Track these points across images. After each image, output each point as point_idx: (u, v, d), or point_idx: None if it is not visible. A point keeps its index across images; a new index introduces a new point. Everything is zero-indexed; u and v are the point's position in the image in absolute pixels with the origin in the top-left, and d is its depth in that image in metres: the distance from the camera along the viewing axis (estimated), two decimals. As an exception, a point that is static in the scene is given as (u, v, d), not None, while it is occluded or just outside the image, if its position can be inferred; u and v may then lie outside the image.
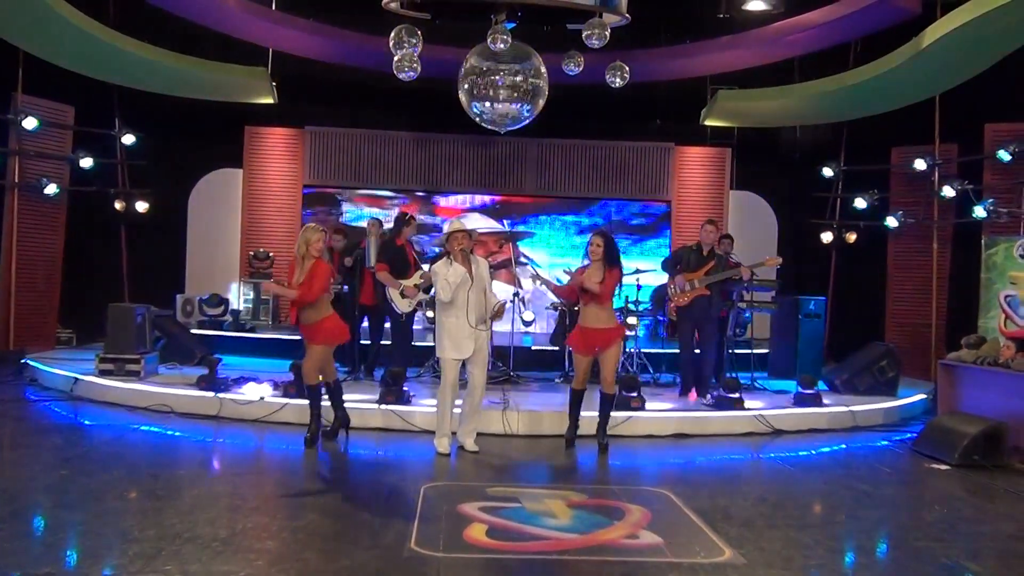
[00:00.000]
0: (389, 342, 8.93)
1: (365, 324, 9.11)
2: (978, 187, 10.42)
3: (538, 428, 7.35)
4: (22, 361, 9.50)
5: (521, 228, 13.47)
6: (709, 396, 8.13)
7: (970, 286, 10.29)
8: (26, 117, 10.47)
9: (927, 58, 8.93)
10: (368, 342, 9.16)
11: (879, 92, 10.27)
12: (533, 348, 10.67)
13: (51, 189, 10.79)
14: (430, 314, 9.51)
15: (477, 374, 6.55)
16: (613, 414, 6.92)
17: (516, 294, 9.72)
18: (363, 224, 9.80)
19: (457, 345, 6.40)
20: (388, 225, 9.66)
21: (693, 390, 8.46)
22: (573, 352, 7.05)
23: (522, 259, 11.25)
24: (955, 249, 11.22)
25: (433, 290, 6.66)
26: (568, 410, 6.92)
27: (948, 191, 10.73)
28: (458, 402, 6.67)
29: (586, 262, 6.77)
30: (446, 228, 6.55)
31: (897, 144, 11.73)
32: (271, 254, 12.41)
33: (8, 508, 4.64)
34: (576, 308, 7.43)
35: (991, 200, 10.04)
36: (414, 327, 8.96)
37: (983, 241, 10.02)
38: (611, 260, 6.64)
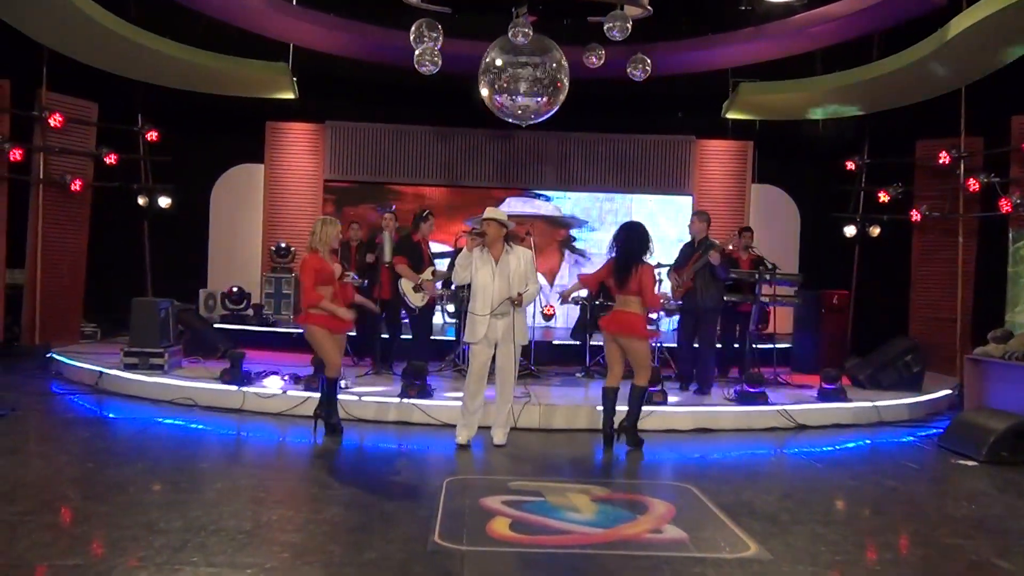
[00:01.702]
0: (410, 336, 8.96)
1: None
2: (1005, 180, 10.30)
3: (559, 422, 7.34)
4: (48, 355, 9.61)
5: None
6: (732, 391, 8.08)
7: (996, 280, 10.19)
8: (50, 114, 10.58)
9: (952, 49, 8.82)
10: (387, 336, 9.18)
11: (903, 84, 10.16)
12: (554, 343, 10.66)
13: (75, 185, 10.91)
14: (450, 308, 9.54)
15: (500, 363, 6.46)
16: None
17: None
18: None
19: (472, 329, 6.41)
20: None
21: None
22: (605, 337, 6.65)
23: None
24: (981, 243, 11.10)
25: (453, 284, 6.68)
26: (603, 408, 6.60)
27: (974, 184, 10.61)
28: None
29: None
30: (484, 214, 6.50)
31: (922, 137, 11.62)
32: (293, 248, 12.53)
33: (35, 500, 4.69)
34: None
35: (1019, 193, 9.92)
36: (434, 322, 8.97)
37: (1010, 235, 9.92)
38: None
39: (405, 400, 7.35)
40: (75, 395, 8.15)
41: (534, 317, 9.82)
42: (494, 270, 6.36)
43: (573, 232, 13.56)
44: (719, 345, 9.83)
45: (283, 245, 12.61)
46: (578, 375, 9.41)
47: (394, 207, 9.91)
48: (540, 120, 9.23)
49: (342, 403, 7.27)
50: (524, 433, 7.04)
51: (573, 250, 13.53)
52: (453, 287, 8.59)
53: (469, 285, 6.54)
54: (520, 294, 6.34)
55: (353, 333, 9.71)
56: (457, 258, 6.53)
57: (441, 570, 3.87)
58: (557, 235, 13.49)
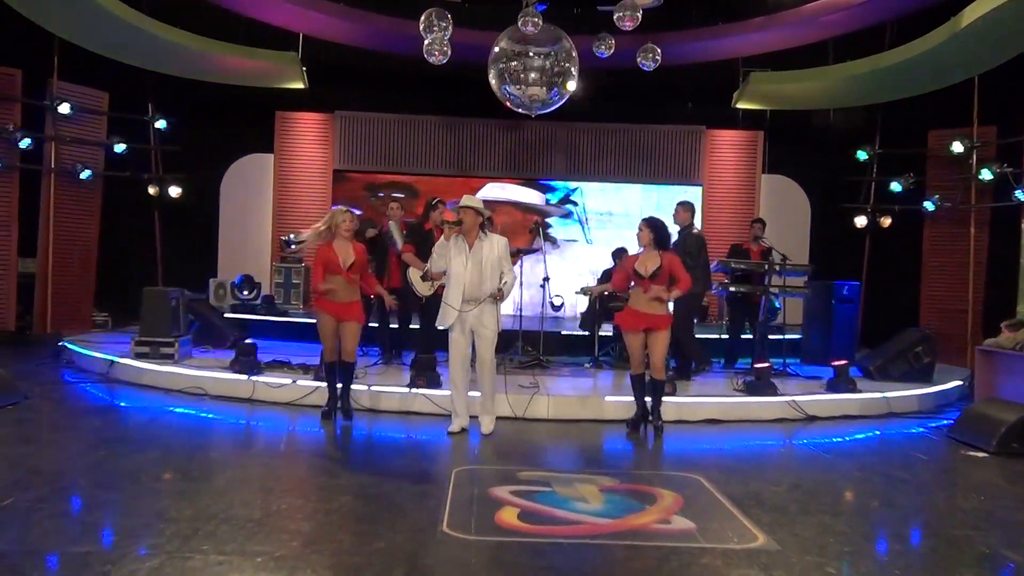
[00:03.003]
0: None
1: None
2: (1018, 170, 10.24)
3: (568, 413, 7.34)
4: (59, 344, 9.66)
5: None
6: (741, 381, 8.08)
7: (1008, 271, 10.15)
8: (61, 103, 10.63)
9: (965, 38, 8.75)
10: (396, 326, 9.19)
11: (915, 73, 10.09)
12: (563, 333, 10.65)
13: (86, 174, 10.95)
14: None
15: (480, 352, 6.49)
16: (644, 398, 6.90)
17: (546, 279, 9.70)
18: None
19: (443, 314, 6.45)
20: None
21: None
22: (623, 333, 6.84)
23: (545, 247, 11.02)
24: (993, 233, 11.05)
25: None
26: (633, 396, 6.88)
27: (986, 174, 10.54)
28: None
29: (640, 250, 6.76)
30: (461, 202, 6.51)
31: (934, 126, 11.56)
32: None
33: (47, 488, 4.72)
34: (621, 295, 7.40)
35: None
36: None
37: (1022, 225, 9.87)
38: (662, 245, 6.62)
39: (414, 390, 7.37)
40: (86, 384, 8.20)
41: (543, 308, 9.78)
42: (468, 258, 6.37)
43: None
44: (726, 336, 9.87)
45: (292, 236, 12.63)
46: (587, 365, 9.41)
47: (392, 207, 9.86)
48: (549, 110, 9.20)
49: (351, 392, 7.31)
50: (532, 423, 7.06)
51: (546, 237, 13.39)
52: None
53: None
54: (500, 289, 6.36)
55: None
56: (434, 247, 6.54)
57: (450, 559, 3.89)
58: (527, 221, 13.23)
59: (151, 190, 12.21)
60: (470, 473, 5.43)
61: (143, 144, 12.10)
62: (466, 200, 6.47)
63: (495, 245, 6.46)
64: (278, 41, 11.65)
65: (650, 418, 6.82)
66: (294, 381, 7.58)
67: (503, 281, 6.40)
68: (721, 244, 12.23)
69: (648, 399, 6.82)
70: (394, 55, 11.62)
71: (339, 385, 6.89)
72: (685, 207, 8.64)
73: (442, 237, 6.54)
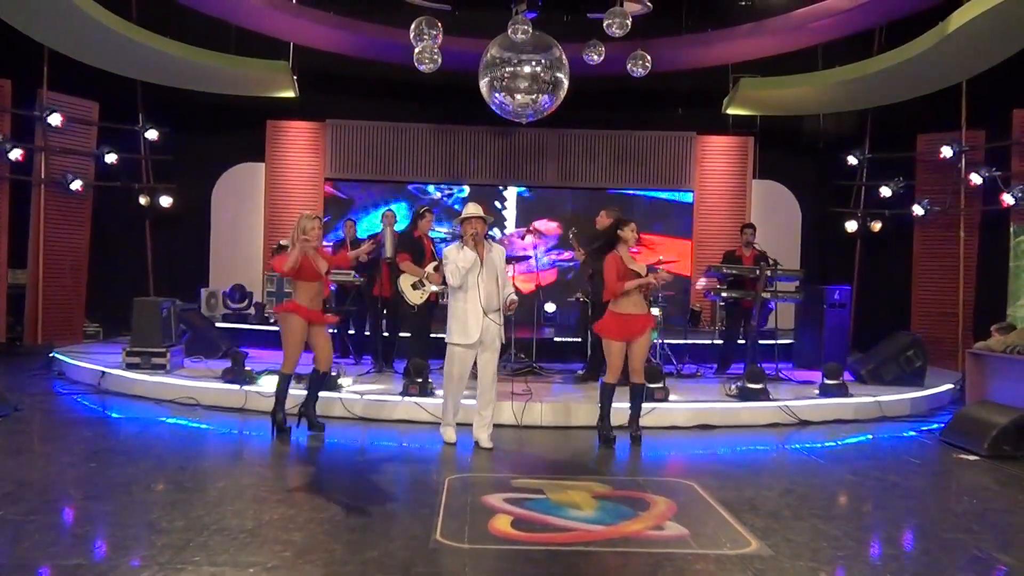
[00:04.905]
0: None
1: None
2: (1006, 174, 10.29)
3: (562, 419, 7.33)
4: (50, 355, 9.62)
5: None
6: (733, 387, 8.08)
7: (998, 274, 10.19)
8: (51, 113, 10.60)
9: (953, 43, 8.81)
10: (387, 334, 9.18)
11: (904, 78, 10.14)
12: (555, 340, 10.64)
13: (76, 185, 10.93)
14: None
15: (487, 366, 6.35)
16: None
17: (538, 286, 9.71)
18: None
19: (464, 330, 6.23)
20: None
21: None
22: (605, 340, 6.50)
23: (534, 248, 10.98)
24: (982, 237, 11.10)
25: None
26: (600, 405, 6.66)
27: (975, 178, 10.60)
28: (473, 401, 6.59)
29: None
30: (463, 212, 6.44)
31: (923, 131, 11.62)
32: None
33: (38, 500, 4.70)
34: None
35: (1020, 187, 9.91)
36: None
37: (1011, 229, 9.91)
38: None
39: (406, 398, 7.36)
40: (78, 395, 8.17)
41: (535, 315, 9.80)
42: (481, 268, 6.27)
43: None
44: (720, 341, 9.90)
45: (283, 243, 12.58)
46: (579, 372, 9.38)
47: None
48: (539, 117, 9.22)
49: (343, 401, 7.31)
50: (525, 430, 7.06)
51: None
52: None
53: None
54: (513, 301, 6.32)
55: (352, 331, 9.77)
56: (458, 261, 6.21)
57: (443, 568, 3.88)
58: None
59: (142, 200, 12.19)
60: (463, 481, 5.41)
61: (134, 154, 12.07)
62: (474, 210, 6.34)
63: (501, 255, 6.43)
64: (269, 50, 11.65)
65: (627, 426, 6.66)
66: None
67: (508, 296, 6.35)
68: (712, 250, 12.27)
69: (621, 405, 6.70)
70: (385, 63, 11.64)
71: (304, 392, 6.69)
72: (610, 213, 8.22)
73: (452, 247, 6.35)
